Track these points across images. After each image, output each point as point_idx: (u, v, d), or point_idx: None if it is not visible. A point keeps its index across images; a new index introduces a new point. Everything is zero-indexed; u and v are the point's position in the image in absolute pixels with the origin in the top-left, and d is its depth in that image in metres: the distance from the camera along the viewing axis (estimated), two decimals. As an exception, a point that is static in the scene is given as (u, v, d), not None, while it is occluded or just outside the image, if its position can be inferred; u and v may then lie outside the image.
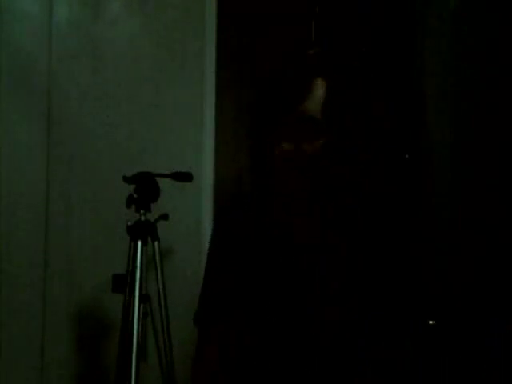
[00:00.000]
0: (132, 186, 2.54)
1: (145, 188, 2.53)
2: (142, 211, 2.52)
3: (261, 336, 1.46)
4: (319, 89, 1.35)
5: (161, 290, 2.56)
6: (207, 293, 1.57)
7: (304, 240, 1.49)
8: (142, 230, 2.51)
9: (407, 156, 2.72)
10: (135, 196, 2.51)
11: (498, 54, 2.46)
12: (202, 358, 1.57)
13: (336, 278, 1.45)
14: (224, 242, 1.56)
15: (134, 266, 2.47)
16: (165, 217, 2.62)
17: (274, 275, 1.48)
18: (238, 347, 1.50)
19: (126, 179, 2.54)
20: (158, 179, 2.58)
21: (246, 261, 1.50)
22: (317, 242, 1.48)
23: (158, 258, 2.57)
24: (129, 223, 2.52)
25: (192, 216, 3.12)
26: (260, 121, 1.42)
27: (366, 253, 1.49)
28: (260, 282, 1.48)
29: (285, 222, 1.49)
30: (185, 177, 2.67)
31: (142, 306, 2.45)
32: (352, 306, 1.45)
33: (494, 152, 2.45)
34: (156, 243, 2.57)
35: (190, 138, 3.14)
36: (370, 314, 1.48)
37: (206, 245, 3.12)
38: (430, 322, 2.28)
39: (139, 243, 2.49)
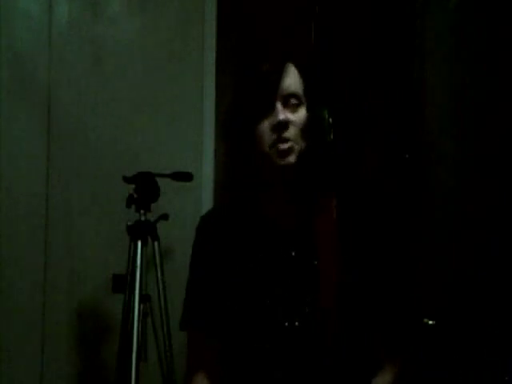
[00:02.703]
0: (132, 186, 2.54)
1: (145, 188, 2.53)
2: (142, 211, 2.53)
3: (265, 339, 1.46)
4: (293, 70, 1.53)
5: (161, 290, 2.56)
6: (192, 296, 1.58)
7: (297, 237, 1.49)
8: (142, 230, 2.52)
9: (407, 156, 2.72)
10: (135, 196, 2.52)
11: (499, 53, 2.46)
12: (194, 360, 1.58)
13: (333, 276, 1.45)
14: (207, 240, 1.59)
15: (134, 266, 2.47)
16: (165, 217, 2.62)
17: (275, 276, 1.48)
18: (229, 345, 1.50)
19: (126, 179, 2.54)
20: (158, 179, 2.58)
21: (231, 256, 1.51)
22: (310, 239, 1.48)
23: (157, 257, 2.57)
24: (129, 223, 2.52)
25: (192, 216, 3.12)
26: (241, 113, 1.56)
27: (366, 253, 1.49)
28: (247, 278, 1.48)
29: (272, 216, 1.51)
30: (185, 177, 2.68)
31: (141, 305, 2.45)
32: (349, 304, 1.45)
33: (495, 152, 2.44)
34: (156, 243, 2.58)
35: (190, 138, 3.14)
36: (368, 312, 1.48)
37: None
38: (430, 322, 2.28)
39: (139, 243, 2.49)
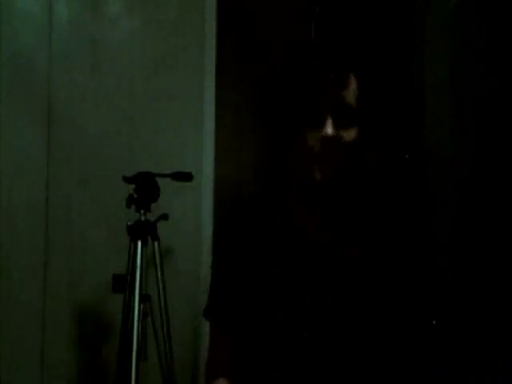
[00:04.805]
0: (132, 186, 2.54)
1: (145, 188, 2.53)
2: (142, 211, 2.52)
3: (266, 338, 1.46)
4: (352, 82, 1.43)
5: (161, 290, 2.56)
6: (216, 287, 1.57)
7: (317, 238, 1.49)
8: (142, 230, 2.51)
9: (407, 156, 2.72)
10: (135, 196, 2.51)
11: (499, 53, 2.46)
12: (215, 351, 1.58)
13: (351, 278, 1.46)
14: (233, 234, 1.56)
15: (134, 266, 2.46)
16: (165, 217, 2.62)
17: (286, 272, 1.48)
18: (248, 341, 1.50)
19: (126, 179, 2.54)
20: (158, 179, 2.58)
21: (257, 254, 1.50)
22: (330, 241, 1.48)
23: (158, 257, 2.57)
24: (129, 223, 2.52)
25: (192, 216, 3.12)
26: (288, 113, 1.46)
27: (376, 254, 1.50)
28: (271, 277, 1.48)
29: (298, 219, 1.50)
30: (185, 177, 2.67)
31: (141, 305, 2.45)
32: (367, 307, 1.46)
33: (494, 152, 2.44)
34: (156, 243, 2.57)
35: (190, 138, 3.14)
36: (384, 315, 1.48)
37: (206, 245, 3.14)
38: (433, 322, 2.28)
39: (139, 243, 2.49)
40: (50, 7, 2.97)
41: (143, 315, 2.49)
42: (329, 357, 1.44)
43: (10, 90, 2.91)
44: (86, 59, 3.02)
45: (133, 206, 2.53)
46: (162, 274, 2.57)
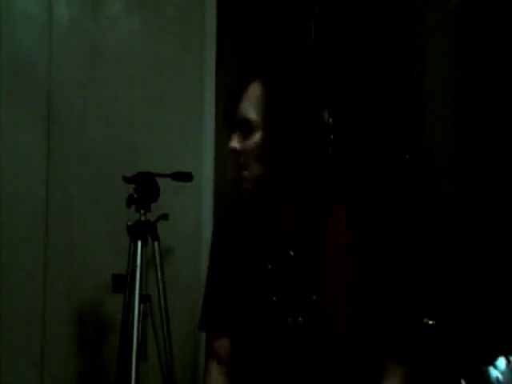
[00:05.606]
0: (132, 186, 2.54)
1: (145, 188, 2.53)
2: (142, 211, 2.52)
3: (266, 338, 1.46)
4: (251, 93, 1.49)
5: (161, 290, 2.56)
6: (210, 297, 1.58)
7: (317, 238, 1.49)
8: (142, 230, 2.52)
9: (407, 156, 2.72)
10: (135, 196, 2.52)
11: (499, 53, 2.46)
12: (211, 360, 1.58)
13: (342, 278, 1.46)
14: (225, 246, 1.58)
15: (134, 266, 2.47)
16: (165, 217, 2.62)
17: (286, 272, 1.48)
18: (247, 341, 1.50)
19: (126, 179, 2.54)
20: (158, 179, 2.58)
21: (248, 263, 1.51)
22: (330, 241, 1.48)
23: (158, 257, 2.57)
24: (129, 223, 2.52)
25: (192, 216, 3.12)
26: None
27: (376, 254, 1.50)
28: (263, 284, 1.48)
29: (273, 219, 1.52)
30: (185, 177, 2.67)
31: (141, 306, 2.45)
32: (367, 306, 1.46)
33: (494, 152, 2.45)
34: (156, 243, 2.58)
35: (190, 138, 3.14)
36: (384, 315, 1.49)
37: (206, 245, 3.12)
38: (430, 322, 2.28)
39: (139, 243, 2.49)
40: (50, 7, 2.97)
41: (143, 315, 2.49)
42: (329, 357, 1.44)
43: (10, 90, 2.91)
44: (86, 59, 3.02)
45: (133, 206, 2.53)
46: (162, 274, 2.58)
